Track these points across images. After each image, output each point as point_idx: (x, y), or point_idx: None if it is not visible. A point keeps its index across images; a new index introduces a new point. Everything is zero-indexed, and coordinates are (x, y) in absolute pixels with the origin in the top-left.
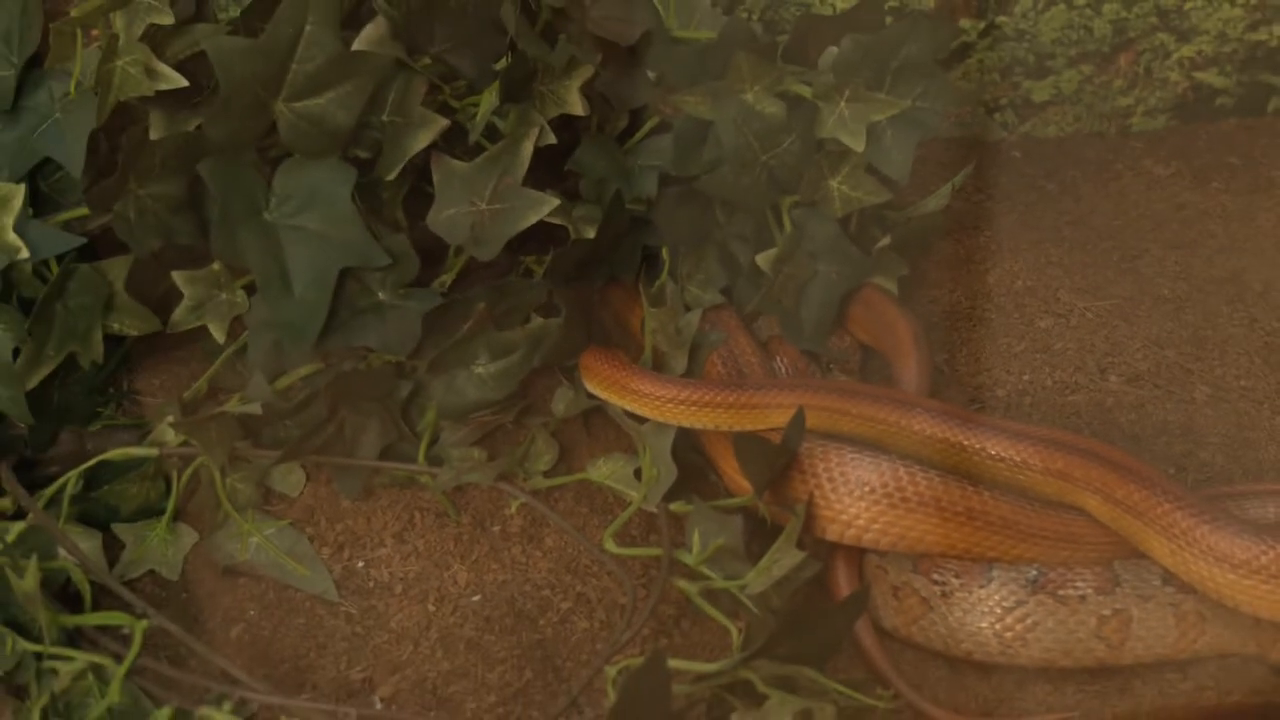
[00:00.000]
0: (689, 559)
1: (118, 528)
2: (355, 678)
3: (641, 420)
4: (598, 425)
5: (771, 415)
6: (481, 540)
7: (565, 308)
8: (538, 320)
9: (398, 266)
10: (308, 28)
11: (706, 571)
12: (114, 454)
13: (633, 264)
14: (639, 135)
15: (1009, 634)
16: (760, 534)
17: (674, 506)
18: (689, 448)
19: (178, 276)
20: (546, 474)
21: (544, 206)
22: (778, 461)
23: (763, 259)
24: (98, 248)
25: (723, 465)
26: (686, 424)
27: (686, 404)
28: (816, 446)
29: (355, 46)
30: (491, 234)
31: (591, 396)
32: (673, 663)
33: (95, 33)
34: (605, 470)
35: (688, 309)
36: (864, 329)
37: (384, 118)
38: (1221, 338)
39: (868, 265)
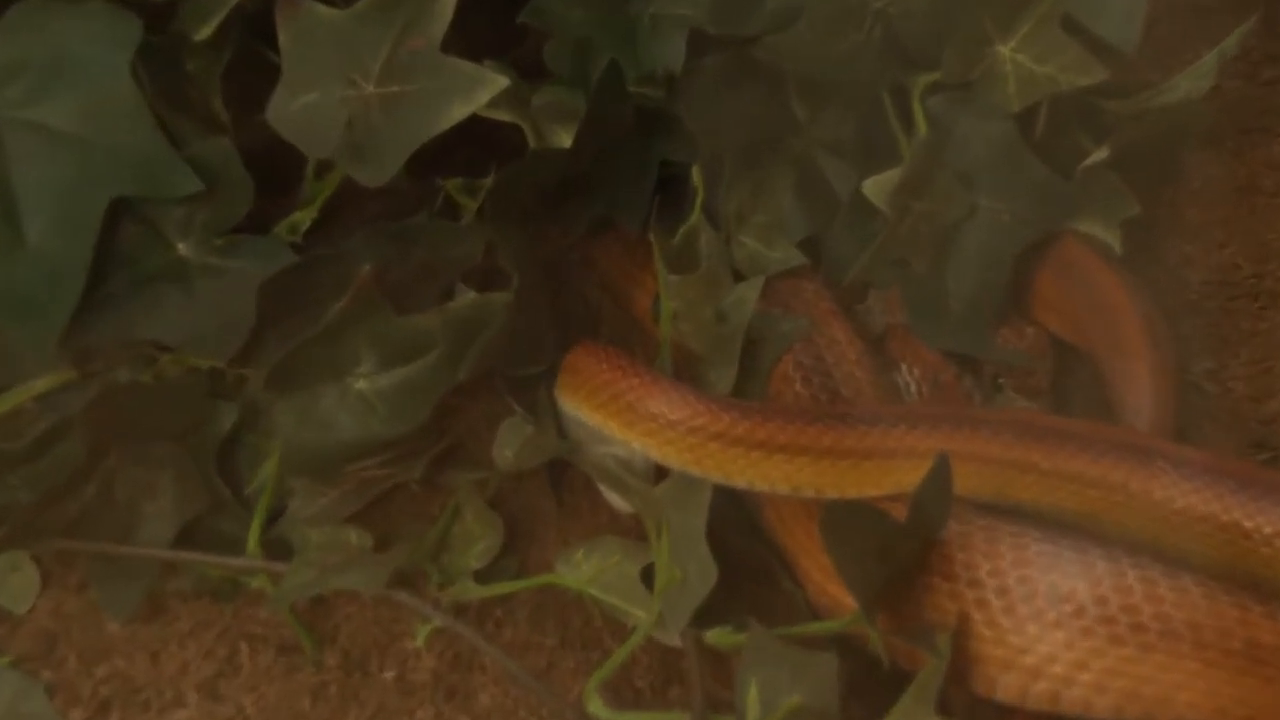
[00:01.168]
0: None
1: None
2: None
3: (658, 474)
4: (576, 486)
5: (890, 469)
6: (363, 697)
7: (518, 273)
8: (467, 295)
9: (214, 197)
10: None
11: None
12: None
13: (639, 196)
14: None
15: None
16: (870, 686)
17: (711, 636)
18: (741, 526)
19: None
20: (481, 574)
21: (480, 89)
22: (901, 555)
23: (875, 186)
24: None
25: (802, 560)
26: (736, 480)
27: (736, 443)
28: (975, 530)
29: None
30: (385, 140)
31: (564, 434)
32: None
33: None
34: (587, 569)
35: (739, 276)
36: (1059, 314)
37: None
38: None
39: (1068, 199)
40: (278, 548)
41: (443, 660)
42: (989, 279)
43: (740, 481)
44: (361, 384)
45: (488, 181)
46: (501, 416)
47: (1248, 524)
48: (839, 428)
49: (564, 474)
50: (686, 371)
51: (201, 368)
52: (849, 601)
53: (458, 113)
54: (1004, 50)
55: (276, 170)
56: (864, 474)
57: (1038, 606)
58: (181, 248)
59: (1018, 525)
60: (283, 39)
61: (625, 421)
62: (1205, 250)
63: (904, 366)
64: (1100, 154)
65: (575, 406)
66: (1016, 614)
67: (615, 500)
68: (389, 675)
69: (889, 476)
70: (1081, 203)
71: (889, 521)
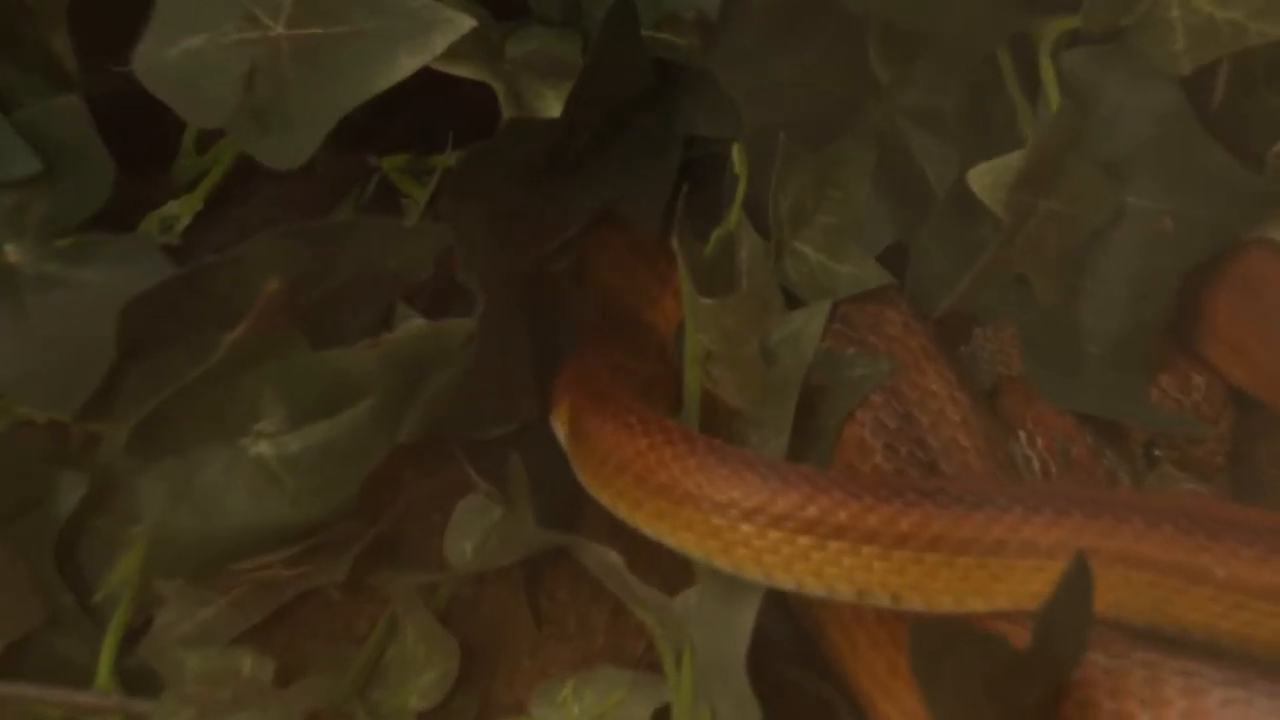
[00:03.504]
0: None
1: None
2: None
3: (679, 572)
4: (561, 593)
5: (1004, 572)
6: None
7: (485, 291)
8: (413, 322)
9: (57, 181)
10: None
11: None
12: None
13: (657, 185)
14: None
15: None
16: None
17: None
18: (793, 651)
19: None
20: (428, 719)
21: (435, 33)
22: (1022, 698)
23: (984, 176)
24: None
25: (880, 702)
26: (789, 584)
27: (795, 529)
28: (1130, 666)
29: None
30: (300, 103)
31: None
32: None
33: None
34: (577, 711)
35: (794, 300)
36: (1242, 357)
37: None
38: None
39: (1256, 195)
40: (139, 678)
41: None
42: (1142, 310)
43: (786, 581)
44: (262, 447)
45: (443, 160)
46: (457, 495)
47: None
48: (928, 507)
49: (544, 576)
50: (720, 432)
51: (37, 421)
52: None
53: (404, 65)
54: None
55: (144, 142)
56: (965, 577)
57: None
58: (10, 251)
59: (1190, 661)
60: None
61: (638, 502)
62: None
63: (1022, 433)
64: None
65: (577, 475)
66: None
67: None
68: None
69: (1002, 583)
70: (1275, 201)
71: (1004, 649)
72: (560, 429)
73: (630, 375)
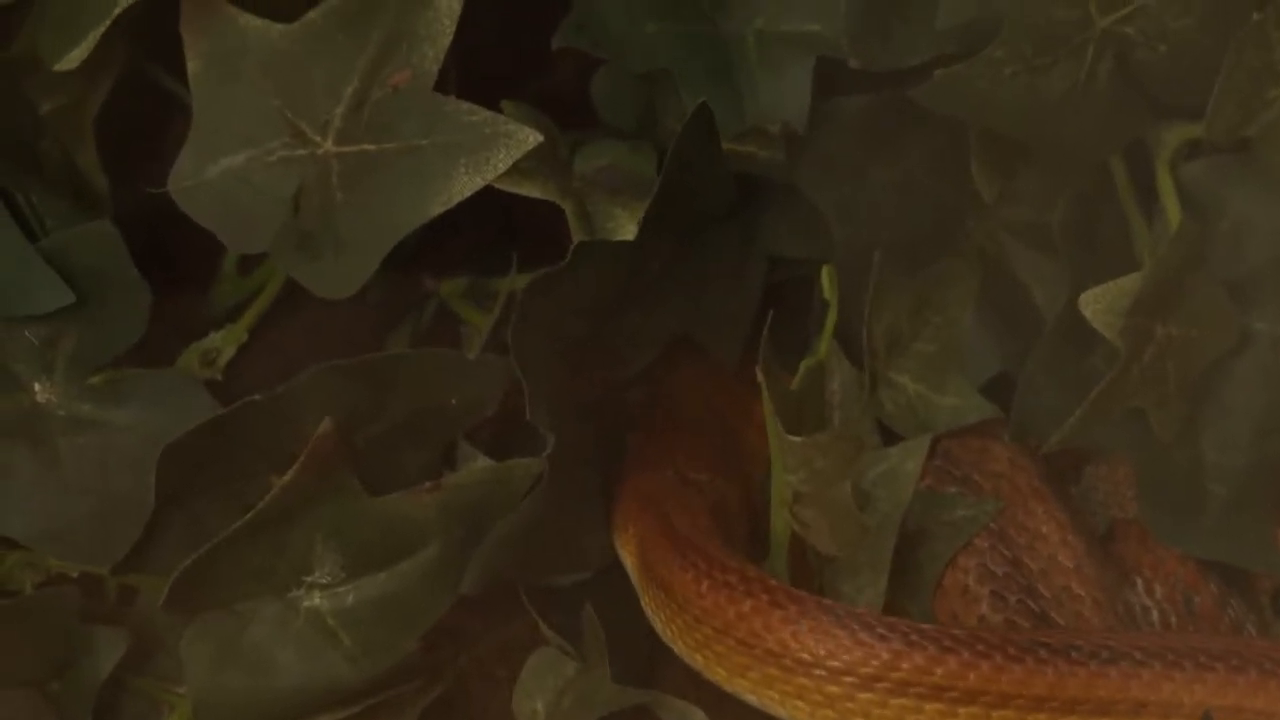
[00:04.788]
0: None
1: None
2: None
3: None
4: None
5: None
6: None
7: (555, 429)
8: (477, 462)
9: (89, 313)
10: None
11: None
12: None
13: (739, 310)
14: None
15: None
16: None
17: None
18: None
19: None
20: None
21: (498, 149)
22: None
23: (1098, 299)
24: None
25: None
26: None
27: (924, 695)
28: None
29: None
30: (350, 227)
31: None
32: None
33: None
34: None
35: (890, 436)
36: None
37: None
38: None
39: None
40: None
41: None
42: (1269, 446)
43: None
44: (315, 600)
45: (508, 284)
46: (526, 649)
47: None
48: (1060, 666)
49: None
50: (810, 581)
51: (70, 575)
52: None
53: (464, 185)
54: None
55: (181, 263)
56: None
57: None
58: (39, 391)
59: None
60: (192, 67)
61: (741, 668)
62: None
63: (1140, 580)
64: None
65: (658, 630)
66: None
67: None
68: None
69: None
70: None
71: None
72: (628, 559)
73: (698, 491)
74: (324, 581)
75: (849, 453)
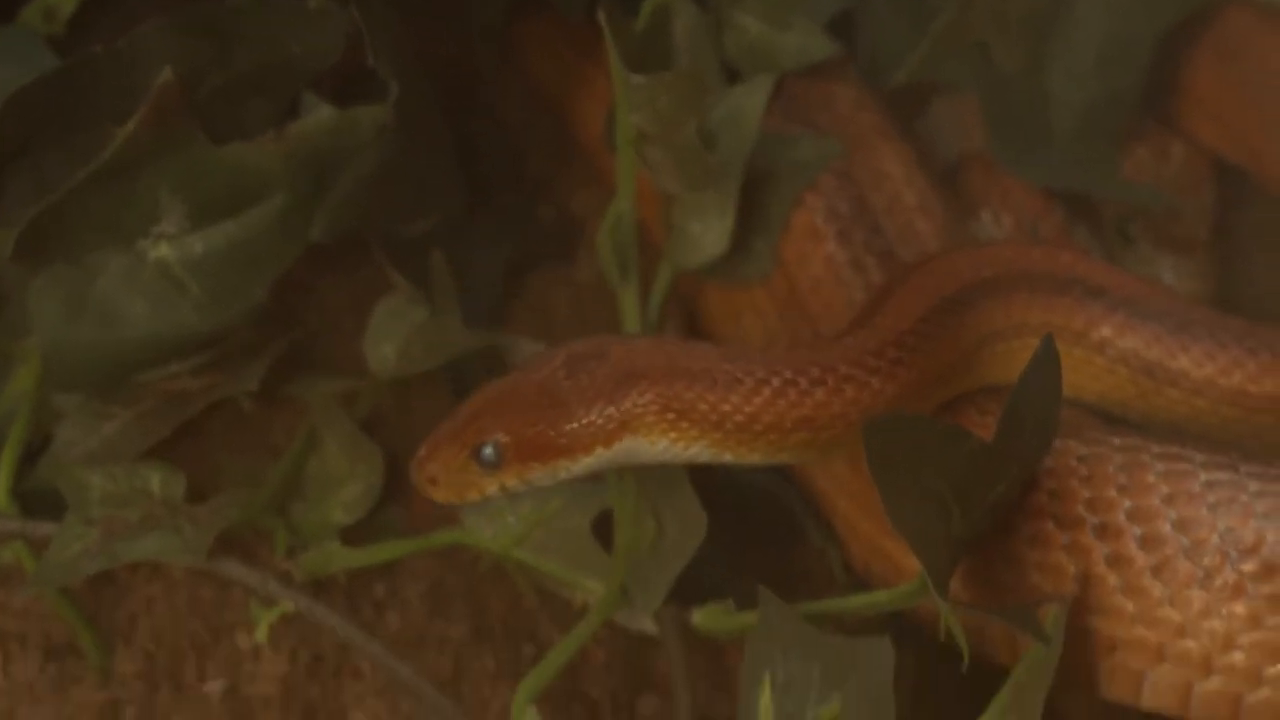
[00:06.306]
0: None
1: None
2: None
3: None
4: None
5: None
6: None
7: (399, 77)
8: (321, 111)
9: None
10: None
11: None
12: None
13: None
14: None
15: None
16: (944, 688)
17: (702, 617)
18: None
19: None
20: (352, 533)
21: None
22: (990, 489)
23: None
24: None
25: (841, 502)
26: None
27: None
28: (1107, 452)
29: None
30: None
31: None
32: None
33: None
34: (513, 521)
35: (735, 76)
36: (1224, 124)
37: None
38: None
39: None
40: (39, 500)
41: (296, 663)
42: (1114, 76)
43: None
44: (163, 250)
45: None
46: (376, 296)
47: None
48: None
49: (472, 380)
50: (659, 221)
51: None
52: (911, 563)
53: None
54: None
55: None
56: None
57: (1209, 564)
58: None
59: (1173, 444)
60: None
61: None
62: None
63: (987, 212)
64: None
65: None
66: (1175, 574)
67: None
68: (214, 687)
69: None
70: None
71: (967, 440)
72: None
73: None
74: (171, 231)
75: (692, 91)
